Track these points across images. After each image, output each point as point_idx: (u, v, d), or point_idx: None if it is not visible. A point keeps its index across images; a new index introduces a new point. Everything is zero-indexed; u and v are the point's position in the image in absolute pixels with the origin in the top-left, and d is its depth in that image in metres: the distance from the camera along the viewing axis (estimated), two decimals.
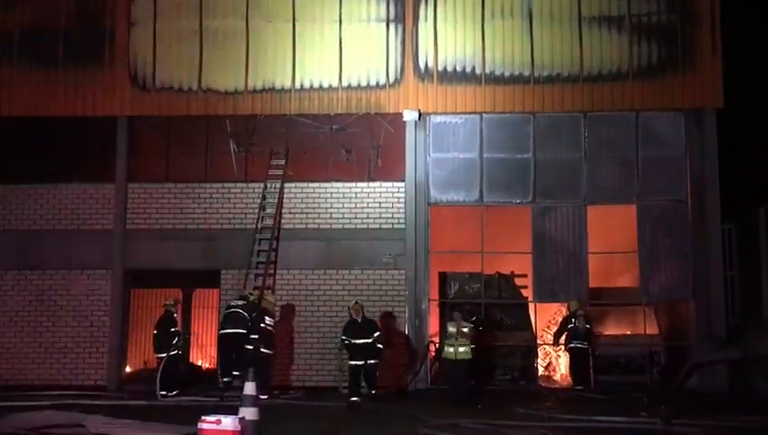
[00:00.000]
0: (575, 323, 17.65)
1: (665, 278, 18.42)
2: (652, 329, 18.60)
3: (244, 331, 15.68)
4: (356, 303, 15.57)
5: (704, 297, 17.82)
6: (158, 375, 15.75)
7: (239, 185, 18.75)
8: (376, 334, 15.02)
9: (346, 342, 15.05)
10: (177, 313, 17.03)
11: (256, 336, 15.66)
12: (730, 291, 17.93)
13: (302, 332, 18.08)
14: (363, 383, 15.05)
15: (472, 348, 15.30)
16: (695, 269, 18.03)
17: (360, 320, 15.18)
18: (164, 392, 15.56)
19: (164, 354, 16.12)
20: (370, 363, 14.93)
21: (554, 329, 18.83)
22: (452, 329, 15.42)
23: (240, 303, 16.26)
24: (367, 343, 14.90)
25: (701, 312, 17.83)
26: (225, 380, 15.74)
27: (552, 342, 18.89)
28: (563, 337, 18.03)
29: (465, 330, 15.37)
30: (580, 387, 17.22)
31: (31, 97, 18.86)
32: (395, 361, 17.11)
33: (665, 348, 18.42)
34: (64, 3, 19.23)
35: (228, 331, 15.91)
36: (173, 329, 16.44)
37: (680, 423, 11.09)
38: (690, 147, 18.33)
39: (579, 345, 17.50)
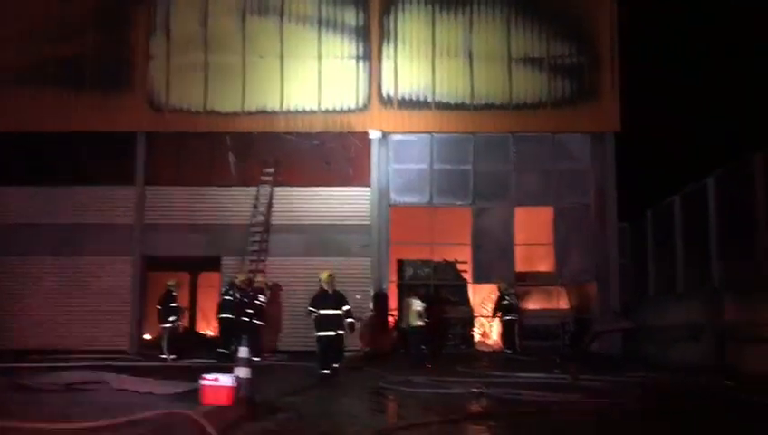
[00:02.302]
0: (509, 300, 17.57)
1: (574, 265, 18.68)
2: (564, 304, 18.88)
3: (234, 316, 15.44)
4: (329, 275, 12.22)
5: (604, 280, 18.12)
6: (164, 342, 15.67)
7: (237, 188, 18.59)
8: (345, 307, 11.93)
9: (313, 313, 11.96)
10: (176, 292, 16.63)
11: (252, 311, 15.51)
12: (624, 275, 18.17)
13: (287, 306, 17.94)
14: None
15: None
16: (597, 258, 18.31)
17: (330, 292, 12.07)
18: (171, 356, 15.38)
19: (167, 325, 15.96)
20: (339, 334, 11.90)
21: (491, 306, 18.87)
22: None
23: (231, 292, 15.87)
24: (335, 314, 11.83)
25: (602, 291, 18.15)
26: (220, 350, 15.16)
27: (490, 315, 18.91)
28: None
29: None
30: (508, 350, 17.26)
31: (64, 116, 18.50)
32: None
33: (574, 319, 18.64)
34: (93, 38, 18.90)
35: (223, 316, 15.71)
36: (173, 305, 16.20)
37: (585, 378, 11.23)
38: (594, 162, 18.55)
39: (512, 318, 17.48)
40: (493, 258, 18.65)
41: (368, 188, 18.39)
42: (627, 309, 17.72)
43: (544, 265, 19.72)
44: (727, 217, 12.64)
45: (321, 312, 11.88)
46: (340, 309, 11.92)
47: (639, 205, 17.82)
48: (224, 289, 16.26)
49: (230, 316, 15.37)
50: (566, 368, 11.98)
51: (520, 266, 18.84)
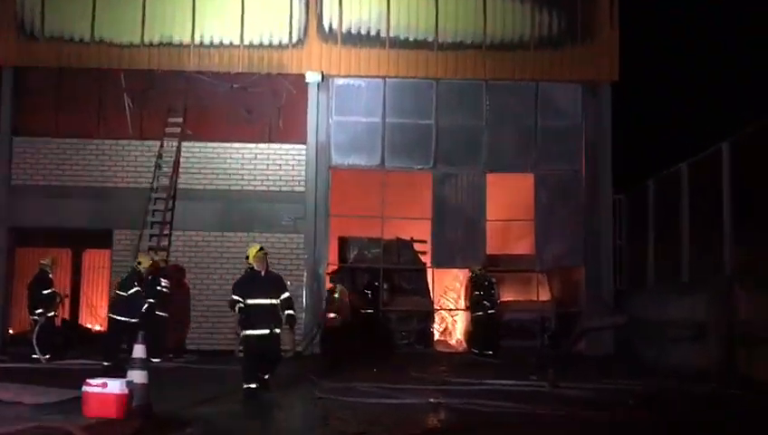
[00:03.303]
0: (494, 291, 17.29)
1: (558, 246, 18.94)
2: (545, 295, 19.21)
3: (128, 318, 14.19)
4: (261, 249, 11.11)
5: (594, 265, 18.49)
6: (34, 337, 15.22)
7: (133, 142, 18.32)
8: (284, 295, 10.84)
9: (238, 303, 10.71)
10: (52, 273, 16.02)
11: (153, 300, 15.26)
12: (618, 259, 18.52)
13: (199, 294, 17.89)
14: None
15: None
16: (586, 237, 18.62)
17: (263, 274, 10.96)
18: (45, 356, 14.97)
19: (38, 317, 15.38)
20: (275, 334, 10.73)
21: (455, 296, 18.93)
22: None
23: (124, 292, 14.54)
24: (271, 304, 10.70)
25: (591, 278, 18.50)
26: (107, 364, 13.36)
27: (458, 307, 18.95)
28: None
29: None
30: (475, 351, 17.22)
31: None
32: None
33: (556, 314, 19.03)
34: None
35: (115, 317, 14.36)
36: (47, 290, 15.60)
37: (567, 386, 11.39)
38: (586, 118, 18.81)
39: (492, 311, 17.11)
40: (459, 237, 18.82)
41: (303, 146, 18.32)
42: (621, 301, 18.12)
43: (522, 246, 19.99)
44: (746, 191, 12.86)
45: (251, 302, 10.67)
46: (277, 297, 10.80)
47: (640, 173, 18.13)
48: (122, 279, 15.07)
49: (122, 318, 14.24)
50: (545, 373, 12.16)
51: (492, 248, 19.01)
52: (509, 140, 18.92)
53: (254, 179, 18.33)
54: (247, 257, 11.22)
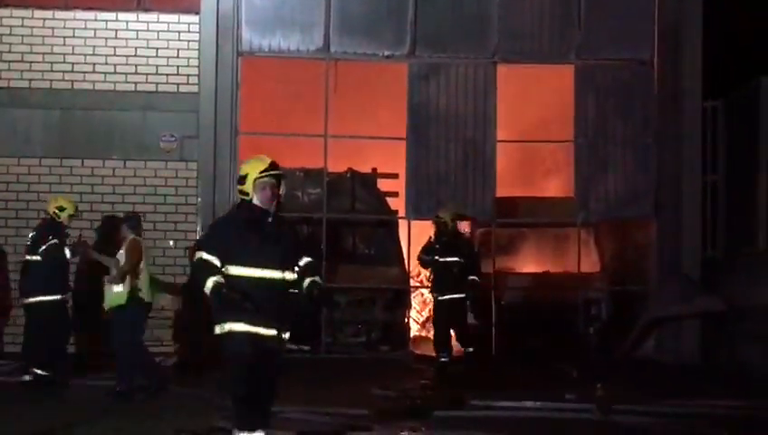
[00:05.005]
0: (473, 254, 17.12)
1: (613, 184, 19.18)
2: (590, 264, 19.29)
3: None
4: (271, 168, 8.80)
5: (671, 215, 18.79)
6: None
7: None
8: (306, 260, 9.09)
9: (214, 272, 8.77)
10: None
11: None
12: (711, 207, 18.66)
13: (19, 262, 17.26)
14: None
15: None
16: (659, 171, 18.83)
17: (271, 219, 8.97)
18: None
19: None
20: (283, 338, 8.97)
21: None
22: None
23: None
24: (283, 280, 8.92)
25: (666, 238, 18.84)
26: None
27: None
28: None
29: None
30: (444, 355, 16.49)
31: None
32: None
33: (608, 294, 19.13)
34: None
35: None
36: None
37: (624, 410, 11.51)
38: None
39: (472, 287, 16.68)
40: (450, 170, 19.01)
41: (194, 17, 18.55)
42: (714, 275, 18.15)
43: (554, 184, 20.42)
44: None
45: (241, 272, 8.81)
46: (292, 268, 9.01)
47: (746, 68, 18.29)
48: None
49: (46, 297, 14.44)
50: (590, 389, 12.16)
51: (506, 186, 19.24)
52: (535, 11, 19.07)
53: (114, 72, 18.49)
54: (241, 181, 9.03)
